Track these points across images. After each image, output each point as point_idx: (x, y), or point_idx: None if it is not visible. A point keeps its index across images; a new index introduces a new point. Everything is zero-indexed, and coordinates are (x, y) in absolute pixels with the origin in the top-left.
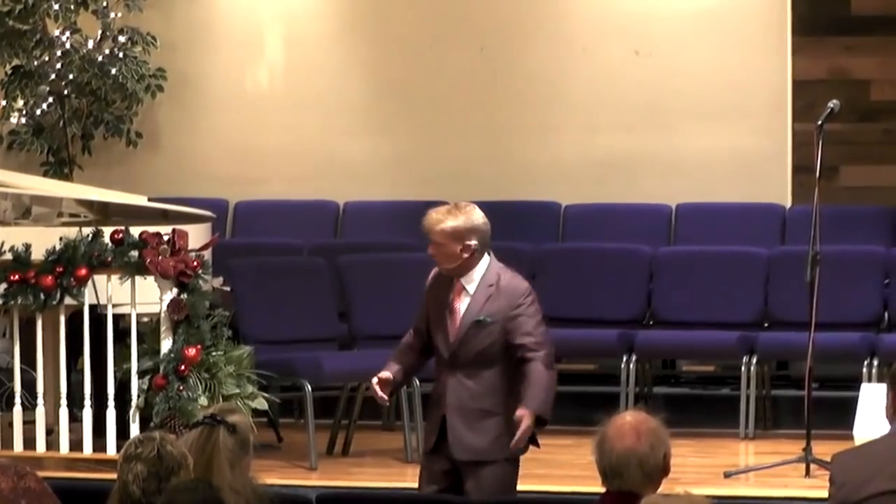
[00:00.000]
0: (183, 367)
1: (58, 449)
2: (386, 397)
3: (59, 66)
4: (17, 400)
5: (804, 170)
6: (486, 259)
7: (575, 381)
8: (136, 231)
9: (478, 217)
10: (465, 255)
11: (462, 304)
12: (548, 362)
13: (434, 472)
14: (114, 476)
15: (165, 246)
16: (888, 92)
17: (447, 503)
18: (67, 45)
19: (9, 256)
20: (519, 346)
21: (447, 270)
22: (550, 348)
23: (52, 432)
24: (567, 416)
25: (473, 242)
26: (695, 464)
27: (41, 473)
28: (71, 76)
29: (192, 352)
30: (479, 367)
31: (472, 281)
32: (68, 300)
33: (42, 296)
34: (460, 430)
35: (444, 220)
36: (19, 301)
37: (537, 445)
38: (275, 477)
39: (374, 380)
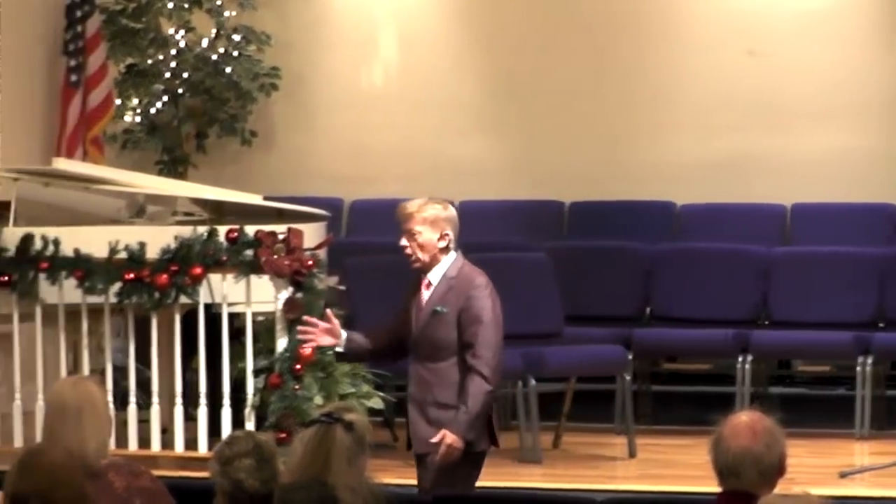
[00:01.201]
0: (298, 366)
1: (173, 448)
2: (311, 340)
3: (173, 64)
4: (132, 399)
5: None
6: (452, 255)
7: (690, 381)
8: (251, 230)
9: (452, 210)
10: (441, 245)
11: (426, 296)
12: (489, 373)
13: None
14: None
15: (280, 245)
16: None
17: (559, 502)
18: (181, 44)
19: (124, 255)
20: (466, 344)
21: (420, 264)
22: (497, 354)
23: (166, 431)
24: (683, 416)
25: (449, 233)
26: (810, 464)
27: (156, 472)
28: (185, 75)
29: (307, 351)
30: (436, 360)
31: (437, 274)
32: (183, 299)
33: (157, 294)
34: (417, 422)
35: (424, 209)
36: (134, 300)
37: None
38: (390, 476)
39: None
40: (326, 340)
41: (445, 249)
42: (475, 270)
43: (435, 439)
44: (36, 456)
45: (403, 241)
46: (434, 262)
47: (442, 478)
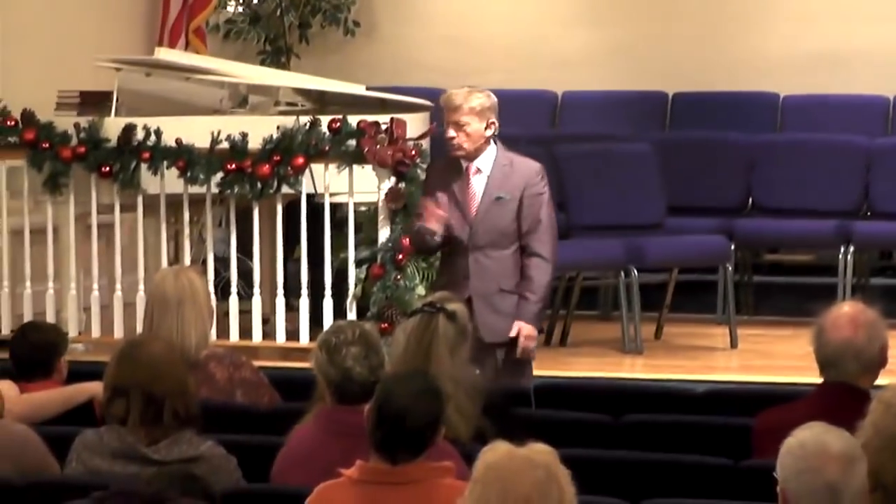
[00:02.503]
0: (400, 257)
1: (274, 338)
2: (434, 230)
3: None
4: (233, 289)
5: None
6: (493, 144)
7: (792, 272)
8: (353, 120)
9: (495, 99)
10: (488, 134)
11: (479, 184)
12: (554, 259)
13: None
14: None
15: (383, 135)
16: None
17: (660, 392)
18: None
19: (225, 145)
20: (527, 231)
21: (465, 153)
22: (555, 238)
23: (268, 322)
24: (784, 307)
25: (495, 121)
26: None
27: (257, 363)
28: None
29: (409, 241)
30: (496, 247)
31: (487, 162)
32: (285, 189)
33: (258, 185)
34: (485, 314)
35: (470, 98)
36: (236, 190)
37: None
38: None
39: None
40: (436, 227)
41: (490, 138)
42: (526, 158)
43: (512, 333)
44: (137, 347)
45: (451, 132)
46: (479, 151)
47: (513, 368)
